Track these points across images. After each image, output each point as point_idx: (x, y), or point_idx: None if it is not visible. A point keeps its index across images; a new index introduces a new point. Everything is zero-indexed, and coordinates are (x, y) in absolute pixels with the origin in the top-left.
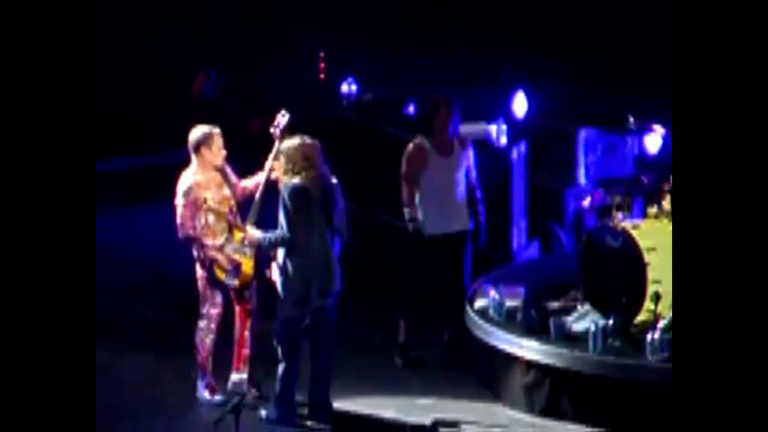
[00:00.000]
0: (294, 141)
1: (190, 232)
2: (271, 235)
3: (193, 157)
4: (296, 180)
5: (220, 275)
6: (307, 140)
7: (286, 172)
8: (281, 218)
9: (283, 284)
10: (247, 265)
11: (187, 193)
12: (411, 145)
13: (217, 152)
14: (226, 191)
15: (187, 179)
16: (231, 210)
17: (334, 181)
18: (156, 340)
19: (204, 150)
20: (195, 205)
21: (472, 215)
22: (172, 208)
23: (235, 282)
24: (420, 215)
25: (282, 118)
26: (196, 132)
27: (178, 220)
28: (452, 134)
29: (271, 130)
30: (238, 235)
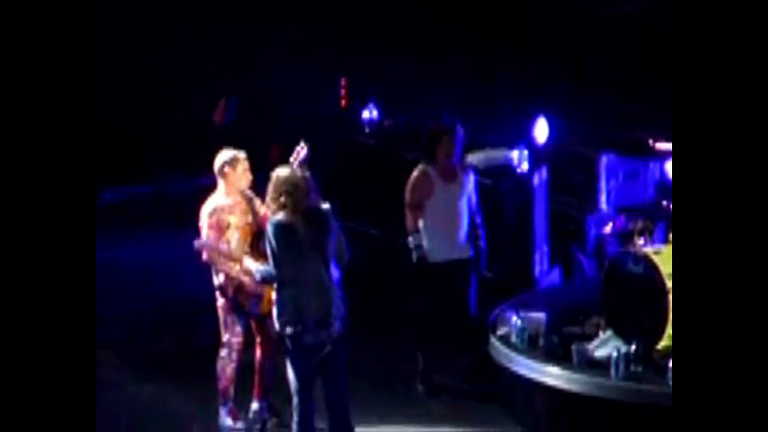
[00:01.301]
0: (283, 171)
1: (214, 255)
2: (262, 269)
3: (219, 181)
4: (279, 216)
5: (244, 302)
6: (297, 171)
7: (272, 201)
8: (268, 254)
9: (279, 318)
10: (269, 294)
11: (211, 215)
12: (415, 173)
13: (242, 174)
14: (251, 218)
15: (212, 202)
16: (253, 238)
17: (326, 206)
18: (174, 365)
19: (228, 170)
20: (219, 228)
21: (473, 240)
22: (190, 233)
23: (258, 310)
24: (425, 243)
25: (302, 150)
26: (222, 154)
27: (203, 242)
28: (455, 161)
29: (291, 160)
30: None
